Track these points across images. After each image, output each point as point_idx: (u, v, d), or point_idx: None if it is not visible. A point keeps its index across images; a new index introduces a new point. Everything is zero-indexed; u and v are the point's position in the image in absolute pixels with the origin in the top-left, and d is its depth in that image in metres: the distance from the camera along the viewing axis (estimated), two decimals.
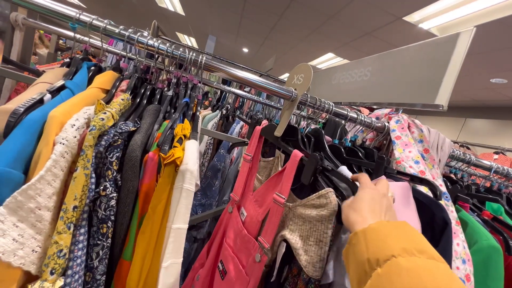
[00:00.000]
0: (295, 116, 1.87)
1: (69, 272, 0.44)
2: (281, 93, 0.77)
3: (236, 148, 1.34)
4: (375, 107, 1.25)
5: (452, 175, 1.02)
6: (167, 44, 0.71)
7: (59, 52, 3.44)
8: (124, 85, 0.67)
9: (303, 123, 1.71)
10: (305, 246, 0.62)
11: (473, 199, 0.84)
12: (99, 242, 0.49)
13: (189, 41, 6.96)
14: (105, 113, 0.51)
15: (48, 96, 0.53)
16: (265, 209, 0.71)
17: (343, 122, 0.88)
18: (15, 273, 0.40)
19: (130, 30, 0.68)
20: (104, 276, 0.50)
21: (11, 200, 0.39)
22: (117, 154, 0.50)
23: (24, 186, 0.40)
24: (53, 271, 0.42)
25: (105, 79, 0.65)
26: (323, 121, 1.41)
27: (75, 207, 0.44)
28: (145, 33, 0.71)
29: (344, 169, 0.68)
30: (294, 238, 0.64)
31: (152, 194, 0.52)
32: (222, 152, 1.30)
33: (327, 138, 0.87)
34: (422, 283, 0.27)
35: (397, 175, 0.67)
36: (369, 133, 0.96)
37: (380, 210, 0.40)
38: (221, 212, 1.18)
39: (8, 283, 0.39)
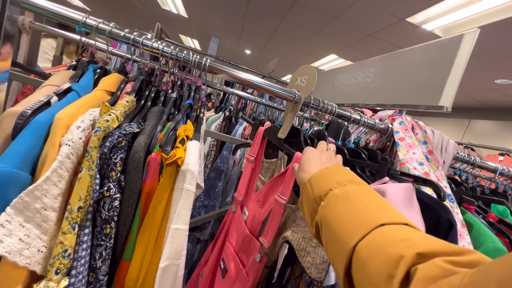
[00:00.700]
0: (298, 117, 1.88)
1: (73, 272, 0.44)
2: (285, 95, 0.77)
3: (239, 150, 1.34)
4: (378, 108, 1.25)
5: (457, 177, 1.01)
6: (172, 47, 0.71)
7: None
8: (129, 87, 0.68)
9: (306, 125, 1.71)
10: (308, 248, 0.62)
11: (478, 201, 0.83)
12: (102, 242, 0.49)
13: (192, 43, 7.00)
14: (110, 114, 0.51)
15: (55, 98, 0.54)
16: (266, 210, 0.71)
17: (346, 123, 0.88)
18: (21, 273, 0.40)
19: (135, 33, 0.69)
20: (107, 276, 0.51)
21: (18, 201, 0.39)
22: (121, 155, 0.51)
23: (30, 187, 0.40)
24: (58, 271, 0.42)
25: (110, 81, 0.66)
26: (326, 122, 1.41)
27: (79, 207, 0.45)
28: (149, 36, 0.72)
29: None
30: (296, 239, 0.64)
31: (154, 194, 0.53)
32: (225, 153, 1.30)
33: (330, 139, 0.87)
34: (351, 202, 0.35)
35: (401, 176, 0.67)
36: (373, 135, 0.95)
37: (321, 164, 0.49)
38: (224, 213, 1.19)
39: (14, 283, 0.40)
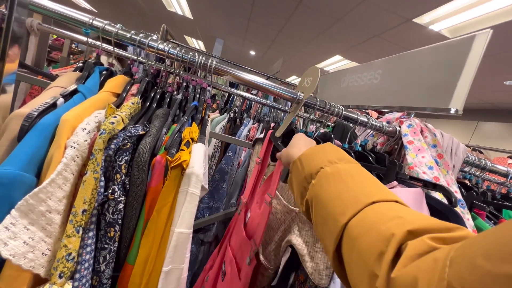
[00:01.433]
0: (303, 119, 1.86)
1: (77, 275, 0.44)
2: (285, 95, 0.76)
3: (243, 151, 1.33)
4: (385, 110, 1.23)
5: (467, 181, 0.99)
6: (177, 48, 0.71)
7: (71, 56, 3.53)
8: (134, 89, 0.68)
9: (311, 127, 1.69)
10: (311, 253, 0.60)
11: (489, 206, 0.80)
12: (106, 246, 0.49)
13: (197, 44, 7.04)
14: (115, 117, 0.51)
15: (61, 100, 0.54)
16: (262, 211, 0.70)
17: (352, 126, 0.86)
18: (25, 276, 0.40)
19: (141, 34, 0.69)
20: (110, 280, 0.50)
21: (23, 203, 0.39)
22: (126, 158, 0.50)
23: (35, 189, 0.40)
24: (62, 274, 0.42)
25: (116, 83, 0.66)
26: (332, 124, 1.39)
27: (84, 210, 0.44)
28: (154, 37, 0.72)
29: None
30: (300, 244, 0.62)
31: (158, 197, 0.52)
32: (229, 155, 1.30)
33: (337, 142, 0.86)
34: (342, 180, 0.35)
35: (410, 180, 0.65)
36: (380, 138, 0.94)
37: (310, 144, 0.50)
38: (228, 215, 1.18)
39: (18, 286, 0.40)
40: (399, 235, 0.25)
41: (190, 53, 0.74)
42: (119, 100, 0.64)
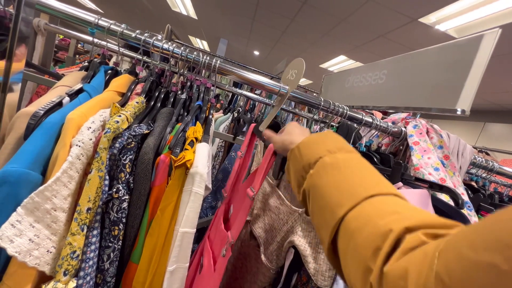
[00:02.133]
0: (307, 119, 1.85)
1: (81, 273, 0.44)
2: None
3: None
4: (390, 111, 1.21)
5: (473, 183, 0.97)
6: (182, 48, 0.71)
7: (77, 56, 3.58)
8: (139, 88, 0.68)
9: (315, 127, 1.68)
10: (314, 254, 0.60)
11: (497, 209, 0.79)
12: (110, 244, 0.49)
13: (201, 44, 7.07)
14: (120, 116, 0.51)
15: (67, 99, 0.55)
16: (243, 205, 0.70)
17: (356, 126, 0.85)
18: (30, 273, 0.41)
19: (146, 34, 0.69)
20: (114, 278, 0.50)
21: (29, 201, 0.39)
22: (131, 157, 0.51)
23: (41, 187, 0.40)
24: (66, 272, 0.42)
25: (121, 82, 0.67)
26: (336, 125, 1.38)
27: (88, 209, 0.44)
28: (159, 37, 0.72)
29: None
30: (303, 244, 0.62)
31: (162, 196, 0.52)
32: (233, 154, 1.30)
33: None
34: (340, 171, 0.35)
35: (415, 182, 0.64)
36: (385, 138, 0.93)
37: (304, 133, 0.48)
38: None
39: (23, 283, 0.40)
40: (396, 231, 0.25)
41: (195, 53, 0.74)
42: (124, 99, 0.65)
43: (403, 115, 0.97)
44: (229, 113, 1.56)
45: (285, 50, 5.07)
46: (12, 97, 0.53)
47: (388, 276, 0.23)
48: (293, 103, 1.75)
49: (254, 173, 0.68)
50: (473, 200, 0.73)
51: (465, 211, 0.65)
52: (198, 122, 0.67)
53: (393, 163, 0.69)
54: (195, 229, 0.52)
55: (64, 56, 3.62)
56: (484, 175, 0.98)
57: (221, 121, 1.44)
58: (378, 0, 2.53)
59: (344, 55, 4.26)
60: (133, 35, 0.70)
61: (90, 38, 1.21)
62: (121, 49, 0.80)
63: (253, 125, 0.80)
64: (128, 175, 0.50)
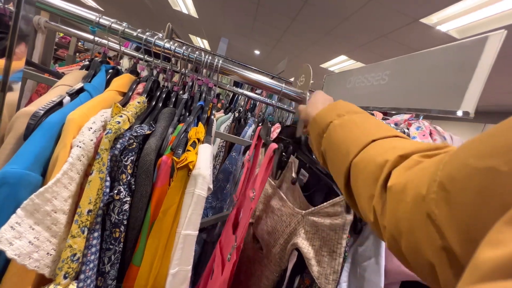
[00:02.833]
0: None
1: (82, 276, 0.44)
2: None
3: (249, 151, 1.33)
4: (392, 112, 1.21)
5: None
6: (184, 47, 0.70)
7: (77, 54, 3.56)
8: (140, 87, 0.67)
9: None
10: (317, 257, 0.59)
11: None
12: (111, 246, 0.48)
13: (202, 43, 7.05)
14: (121, 116, 0.51)
15: (67, 98, 0.54)
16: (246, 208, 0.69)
17: None
18: (30, 276, 0.40)
19: (147, 33, 0.68)
20: (115, 281, 0.50)
21: (29, 203, 0.39)
22: (132, 158, 0.50)
23: (41, 189, 0.40)
24: (67, 275, 0.42)
25: (122, 82, 0.66)
26: None
27: (89, 210, 0.44)
28: (160, 35, 0.72)
29: None
30: (306, 247, 0.61)
31: (164, 198, 0.51)
32: (234, 154, 1.29)
33: None
34: (347, 127, 0.39)
35: None
36: None
37: (325, 102, 0.52)
38: None
39: (22, 286, 0.39)
40: (391, 159, 0.28)
41: (197, 52, 0.73)
42: (125, 99, 0.64)
43: (406, 116, 0.96)
44: (230, 113, 1.56)
45: (286, 49, 5.06)
46: (11, 96, 0.52)
47: (389, 193, 0.26)
48: (293, 103, 1.74)
49: (257, 175, 0.67)
50: None
51: None
52: (200, 122, 0.66)
53: None
54: (197, 231, 0.51)
55: (64, 54, 3.60)
56: None
57: (222, 121, 1.43)
58: (379, 0, 2.53)
59: (345, 55, 4.25)
60: (135, 34, 0.69)
61: (90, 37, 1.20)
62: (122, 48, 0.79)
63: (259, 128, 0.79)
64: (129, 177, 0.49)
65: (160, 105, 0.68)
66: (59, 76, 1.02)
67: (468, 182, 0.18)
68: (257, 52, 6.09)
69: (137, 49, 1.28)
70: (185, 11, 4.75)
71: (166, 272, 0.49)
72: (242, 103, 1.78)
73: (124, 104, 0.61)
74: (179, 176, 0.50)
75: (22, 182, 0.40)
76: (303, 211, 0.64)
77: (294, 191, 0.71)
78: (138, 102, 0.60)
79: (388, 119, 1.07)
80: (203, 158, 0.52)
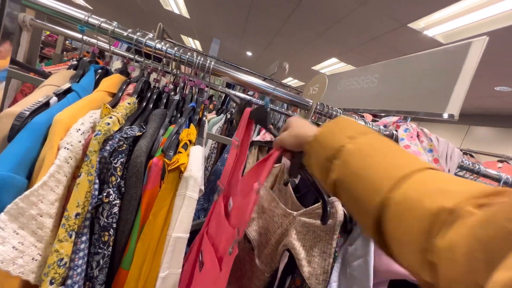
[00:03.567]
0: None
1: (69, 281, 0.42)
2: (299, 103, 0.77)
3: None
4: (382, 114, 1.23)
5: None
6: (175, 48, 0.70)
7: (65, 52, 3.47)
8: (130, 88, 0.66)
9: None
10: (308, 257, 0.60)
11: None
12: (100, 250, 0.47)
13: (193, 43, 7.00)
14: (111, 117, 0.50)
15: (55, 99, 0.52)
16: (249, 200, 0.67)
17: None
18: (14, 282, 0.39)
19: (138, 33, 0.68)
20: (104, 285, 0.49)
21: (13, 207, 0.38)
22: (122, 160, 0.49)
23: (26, 192, 0.38)
24: (53, 280, 0.40)
25: (111, 82, 0.65)
26: None
27: (77, 214, 0.43)
28: (151, 35, 0.71)
29: None
30: (297, 247, 0.62)
31: (155, 200, 0.51)
32: (226, 156, 1.28)
33: None
34: (367, 155, 0.34)
35: None
36: None
37: (310, 125, 0.48)
38: None
39: None
40: (445, 208, 0.25)
41: (188, 54, 0.73)
42: (115, 100, 0.63)
43: (394, 118, 0.99)
44: (222, 114, 1.55)
45: (278, 51, 5.09)
46: None
47: (439, 250, 0.24)
48: (285, 105, 1.76)
49: (260, 166, 0.64)
50: None
51: None
52: (192, 124, 0.66)
53: None
54: (188, 234, 0.51)
55: (51, 52, 3.50)
56: (471, 177, 1.01)
57: (214, 122, 1.42)
58: (369, 4, 2.58)
59: (336, 57, 4.32)
60: (125, 34, 0.68)
61: (78, 35, 1.17)
62: (112, 48, 0.78)
63: (248, 109, 0.74)
64: (119, 179, 0.48)
65: (151, 106, 0.67)
66: (46, 75, 0.99)
67: (504, 243, 0.19)
68: (249, 53, 6.10)
69: (128, 49, 1.26)
70: (176, 11, 4.71)
71: (156, 275, 0.48)
72: (235, 105, 1.78)
73: (114, 105, 0.60)
74: (170, 178, 0.50)
75: (5, 185, 0.39)
76: (295, 212, 0.65)
77: (286, 192, 0.72)
78: (128, 103, 0.59)
79: (378, 120, 1.09)
80: (195, 160, 0.51)
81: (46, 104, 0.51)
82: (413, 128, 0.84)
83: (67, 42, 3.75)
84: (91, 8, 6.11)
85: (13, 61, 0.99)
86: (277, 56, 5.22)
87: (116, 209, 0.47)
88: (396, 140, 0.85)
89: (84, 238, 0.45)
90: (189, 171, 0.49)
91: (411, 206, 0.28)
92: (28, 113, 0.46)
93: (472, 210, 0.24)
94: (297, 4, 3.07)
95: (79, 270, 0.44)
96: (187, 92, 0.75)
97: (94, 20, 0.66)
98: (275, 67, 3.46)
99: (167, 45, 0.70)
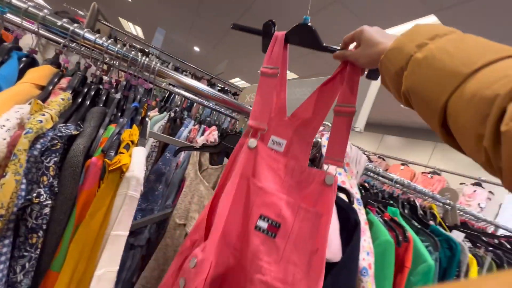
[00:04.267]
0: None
1: None
2: (246, 109, 0.83)
3: (183, 152, 1.33)
4: None
5: (366, 184, 1.26)
6: (118, 46, 0.69)
7: None
8: (64, 82, 0.62)
9: None
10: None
11: (378, 204, 1.05)
12: (26, 253, 0.45)
13: (134, 29, 6.40)
14: (43, 114, 0.47)
15: None
16: (314, 127, 0.62)
17: None
18: None
19: (75, 25, 0.64)
20: None
21: None
22: (55, 159, 0.47)
23: None
24: None
25: (40, 74, 0.60)
26: None
27: (0, 216, 0.40)
28: (82, 13, 0.67)
29: None
30: None
31: (92, 201, 0.51)
32: (168, 155, 1.27)
33: None
34: (437, 62, 0.32)
35: None
36: None
37: (385, 35, 0.45)
38: (164, 217, 1.16)
39: None
40: (502, 94, 0.24)
41: (133, 52, 0.72)
42: (44, 94, 0.58)
43: (321, 128, 1.17)
44: (165, 112, 1.52)
45: (227, 51, 5.12)
46: None
47: (505, 136, 0.23)
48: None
49: (320, 91, 0.62)
50: (363, 198, 0.96)
51: (356, 206, 0.85)
52: (134, 124, 0.66)
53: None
54: (128, 232, 0.53)
55: None
56: (378, 177, 1.27)
57: (156, 120, 1.39)
58: (322, 15, 2.87)
59: None
60: (59, 23, 0.63)
61: None
62: (41, 31, 0.70)
63: (278, 33, 0.66)
64: (51, 179, 0.46)
65: (88, 103, 0.64)
66: None
67: None
68: (196, 48, 5.95)
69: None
70: None
71: (91, 275, 0.48)
72: (179, 102, 1.75)
73: (44, 99, 0.56)
74: (111, 179, 0.51)
75: None
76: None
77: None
78: (62, 99, 0.56)
79: None
80: (137, 161, 0.53)
81: None
82: None
83: None
84: None
85: None
86: (226, 55, 5.25)
87: (47, 210, 0.46)
88: (320, 146, 1.02)
89: (7, 242, 0.42)
90: (131, 172, 0.51)
91: (470, 98, 0.27)
92: None
93: None
94: (246, 10, 3.18)
95: None
96: (130, 91, 0.74)
97: (20, 2, 0.60)
98: (223, 67, 3.49)
99: (109, 41, 0.68)
